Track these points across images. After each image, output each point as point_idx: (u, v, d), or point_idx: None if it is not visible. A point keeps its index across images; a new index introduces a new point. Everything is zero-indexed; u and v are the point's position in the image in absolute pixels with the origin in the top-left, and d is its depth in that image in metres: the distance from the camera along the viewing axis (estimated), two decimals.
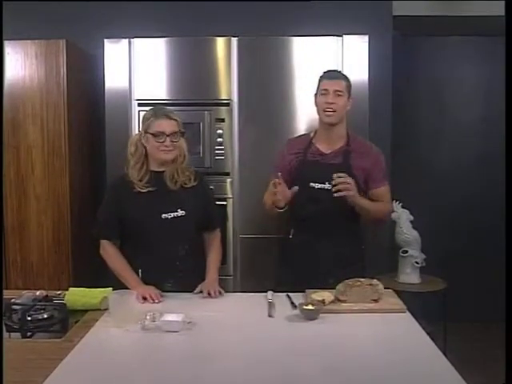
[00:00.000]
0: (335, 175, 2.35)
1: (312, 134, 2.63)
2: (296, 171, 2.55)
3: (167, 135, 2.26)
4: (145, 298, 2.17)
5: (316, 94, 2.55)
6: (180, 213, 2.32)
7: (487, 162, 4.17)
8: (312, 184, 2.50)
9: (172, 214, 2.31)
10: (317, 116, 2.56)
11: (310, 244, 2.53)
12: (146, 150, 2.32)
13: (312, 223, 2.51)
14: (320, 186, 2.48)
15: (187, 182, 2.35)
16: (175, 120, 2.30)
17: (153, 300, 2.16)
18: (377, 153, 2.58)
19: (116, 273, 2.31)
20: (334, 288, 2.15)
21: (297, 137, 2.75)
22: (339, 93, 2.46)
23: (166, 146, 2.27)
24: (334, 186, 2.35)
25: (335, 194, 2.34)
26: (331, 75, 2.52)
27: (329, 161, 2.51)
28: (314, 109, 2.55)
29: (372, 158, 2.53)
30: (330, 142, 2.55)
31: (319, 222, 2.49)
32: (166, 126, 2.27)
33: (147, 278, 2.28)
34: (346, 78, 2.54)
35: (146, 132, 2.29)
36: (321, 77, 2.55)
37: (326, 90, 2.48)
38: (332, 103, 2.45)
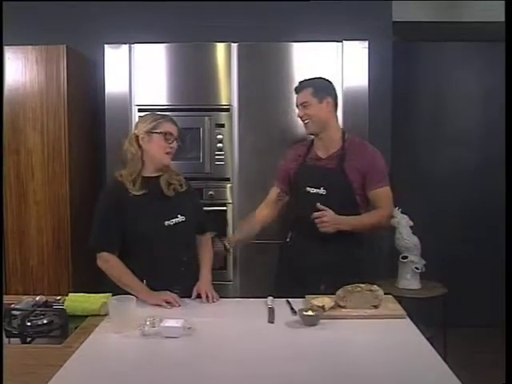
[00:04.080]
0: (315, 214, 2.36)
1: (313, 140, 2.66)
2: (294, 175, 2.62)
3: (175, 138, 2.32)
4: (168, 303, 2.15)
5: None
6: (180, 218, 2.31)
7: (487, 167, 4.17)
8: (308, 189, 2.52)
9: (173, 220, 2.30)
10: None
11: (306, 248, 2.54)
12: (142, 153, 2.31)
13: (307, 228, 2.50)
14: (315, 190, 2.51)
15: (179, 187, 2.36)
16: (177, 126, 2.36)
17: (177, 304, 2.16)
18: (374, 154, 2.54)
19: (121, 283, 2.21)
20: (331, 294, 2.14)
21: (301, 142, 2.75)
22: (305, 104, 2.54)
23: (171, 148, 2.31)
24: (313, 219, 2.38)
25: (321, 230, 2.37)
26: (296, 89, 2.59)
27: (324, 165, 2.53)
28: None
29: (368, 159, 2.50)
30: (325, 147, 2.57)
31: (314, 227, 2.48)
32: (174, 129, 2.33)
33: (153, 286, 2.23)
34: (311, 84, 2.55)
35: (150, 132, 2.28)
36: None
37: (296, 105, 2.60)
38: (302, 116, 2.56)
